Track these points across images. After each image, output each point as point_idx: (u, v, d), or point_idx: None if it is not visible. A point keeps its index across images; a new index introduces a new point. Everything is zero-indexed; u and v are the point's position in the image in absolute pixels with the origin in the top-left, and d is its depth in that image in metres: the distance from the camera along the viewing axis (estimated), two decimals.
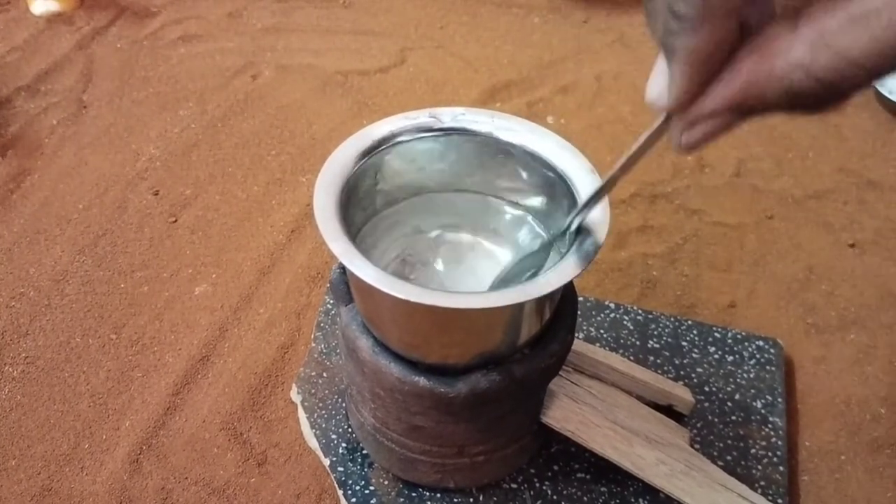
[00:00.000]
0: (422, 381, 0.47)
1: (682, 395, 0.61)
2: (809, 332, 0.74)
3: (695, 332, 0.70)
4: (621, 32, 1.13)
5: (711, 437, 0.63)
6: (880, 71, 0.25)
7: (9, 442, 0.64)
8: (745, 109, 0.28)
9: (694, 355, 0.68)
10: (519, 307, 0.44)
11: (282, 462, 0.63)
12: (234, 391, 0.68)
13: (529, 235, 0.54)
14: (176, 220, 0.83)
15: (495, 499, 0.58)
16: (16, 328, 0.73)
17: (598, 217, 0.44)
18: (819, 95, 0.26)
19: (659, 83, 0.29)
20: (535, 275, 0.47)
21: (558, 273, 0.42)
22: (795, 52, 0.25)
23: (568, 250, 0.43)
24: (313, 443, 0.62)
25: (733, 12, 0.26)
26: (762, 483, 0.60)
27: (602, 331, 0.70)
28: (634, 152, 0.35)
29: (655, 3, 0.27)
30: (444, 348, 0.47)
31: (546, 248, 0.49)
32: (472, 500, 0.58)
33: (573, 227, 0.44)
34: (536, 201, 0.52)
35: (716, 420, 0.64)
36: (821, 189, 0.87)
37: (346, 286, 0.50)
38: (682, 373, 0.67)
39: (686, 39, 0.27)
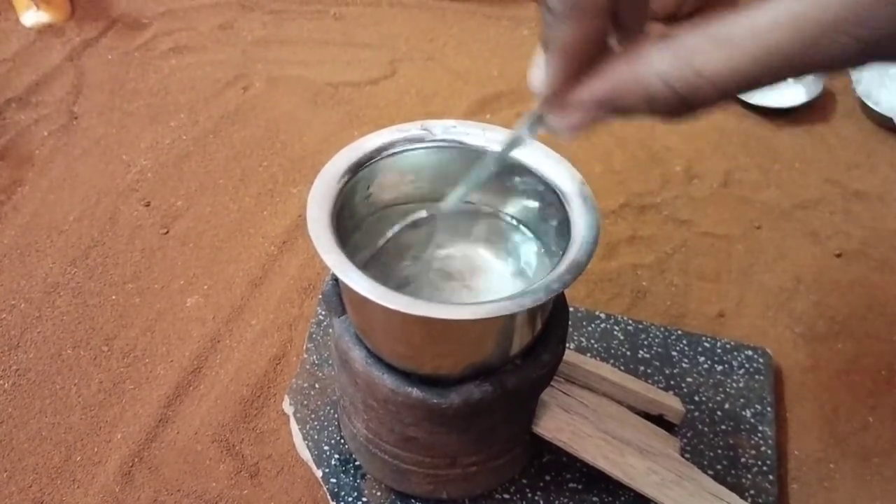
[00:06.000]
0: (415, 392, 0.48)
1: (672, 404, 0.61)
2: (798, 342, 0.74)
3: (684, 341, 0.70)
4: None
5: (701, 447, 0.63)
6: (729, 90, 0.27)
7: (0, 455, 0.64)
8: (611, 106, 0.31)
9: (684, 365, 0.69)
10: (511, 318, 0.44)
11: (274, 474, 0.63)
12: (226, 403, 0.68)
13: (521, 245, 0.54)
14: (167, 232, 0.83)
15: None
16: (6, 340, 0.72)
17: (588, 228, 0.45)
18: (673, 105, 0.28)
19: (540, 72, 0.32)
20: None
21: (549, 284, 0.42)
22: (659, 63, 0.28)
23: (559, 261, 0.44)
24: (306, 454, 0.62)
25: (601, 12, 0.29)
26: (752, 492, 0.61)
27: (593, 341, 0.70)
28: (519, 134, 0.36)
29: None
30: (436, 359, 0.48)
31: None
32: None
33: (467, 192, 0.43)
34: (527, 211, 0.52)
35: (706, 429, 0.64)
36: (807, 199, 0.88)
37: (338, 297, 0.51)
38: (672, 382, 0.67)
39: (558, 32, 0.30)
